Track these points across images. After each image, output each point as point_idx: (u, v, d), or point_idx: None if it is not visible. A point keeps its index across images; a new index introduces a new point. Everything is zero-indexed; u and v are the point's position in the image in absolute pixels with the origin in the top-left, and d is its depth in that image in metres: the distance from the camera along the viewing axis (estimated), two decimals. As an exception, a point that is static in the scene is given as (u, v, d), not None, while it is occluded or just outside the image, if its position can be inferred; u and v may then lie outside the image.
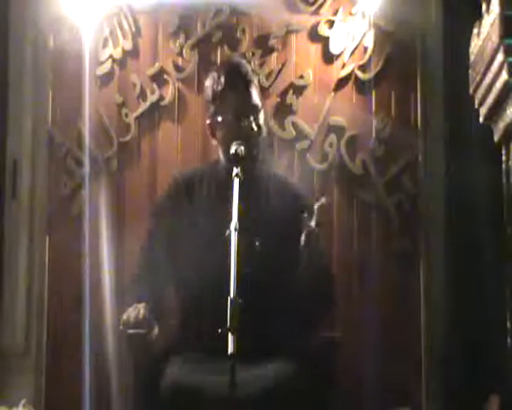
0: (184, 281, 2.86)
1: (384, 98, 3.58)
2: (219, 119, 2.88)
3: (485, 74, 2.56)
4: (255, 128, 2.86)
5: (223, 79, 2.88)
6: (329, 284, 2.88)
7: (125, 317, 2.65)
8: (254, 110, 2.88)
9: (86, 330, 3.46)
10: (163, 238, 2.92)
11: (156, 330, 2.67)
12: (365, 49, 3.58)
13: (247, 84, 2.90)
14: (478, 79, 2.65)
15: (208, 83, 2.94)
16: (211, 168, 3.04)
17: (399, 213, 3.51)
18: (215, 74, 2.93)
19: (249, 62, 3.43)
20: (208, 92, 2.93)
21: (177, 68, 3.66)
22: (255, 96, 2.90)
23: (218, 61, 3.63)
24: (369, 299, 3.40)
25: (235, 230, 2.41)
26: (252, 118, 2.86)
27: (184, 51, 3.65)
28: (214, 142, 2.96)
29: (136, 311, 2.65)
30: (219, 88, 2.88)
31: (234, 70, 2.96)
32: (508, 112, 2.46)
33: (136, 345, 2.70)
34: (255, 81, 2.97)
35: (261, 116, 2.91)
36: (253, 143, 2.85)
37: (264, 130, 2.96)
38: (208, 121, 2.95)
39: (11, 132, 3.69)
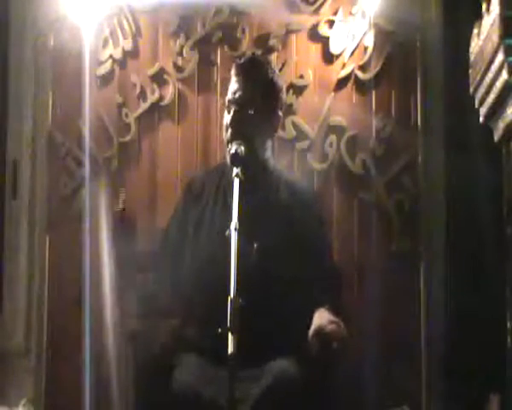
0: (186, 281, 2.87)
1: (384, 98, 3.58)
2: (226, 102, 2.89)
3: (485, 74, 2.56)
4: (237, 119, 2.82)
5: (235, 67, 2.92)
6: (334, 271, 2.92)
7: None
8: (243, 101, 2.84)
9: (86, 330, 3.46)
10: (175, 240, 2.92)
11: None
12: (365, 48, 3.58)
13: (250, 75, 2.89)
14: (478, 78, 2.65)
15: None
16: (219, 168, 3.02)
17: (399, 213, 3.51)
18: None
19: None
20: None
21: (177, 68, 3.66)
22: (252, 90, 2.86)
23: (219, 61, 3.63)
24: (369, 298, 3.40)
25: (235, 230, 2.41)
26: (243, 108, 2.83)
27: (184, 51, 3.65)
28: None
29: None
30: (231, 74, 2.90)
31: (248, 60, 3.01)
32: (508, 112, 2.46)
33: (135, 345, 2.70)
34: (266, 76, 2.91)
35: (257, 113, 2.86)
36: (251, 134, 2.83)
37: (266, 125, 2.92)
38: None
39: (11, 133, 3.69)
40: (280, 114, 2.96)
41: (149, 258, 3.03)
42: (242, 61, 2.97)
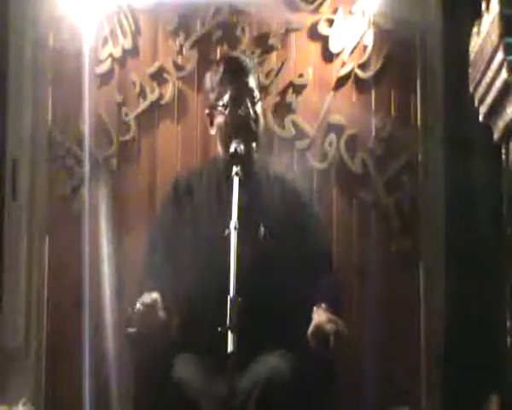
0: (185, 281, 2.86)
1: (384, 97, 3.58)
2: (217, 106, 2.91)
3: (484, 73, 2.56)
4: (252, 114, 2.88)
5: (221, 68, 2.95)
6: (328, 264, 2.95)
7: (138, 304, 2.61)
8: (251, 96, 2.92)
9: (86, 329, 3.46)
10: (165, 243, 2.92)
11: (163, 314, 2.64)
12: (365, 47, 3.58)
13: (243, 71, 2.96)
14: (477, 77, 2.65)
15: (208, 74, 3.03)
16: (210, 166, 3.06)
17: (399, 213, 3.50)
18: (214, 66, 3.03)
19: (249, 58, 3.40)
20: (208, 82, 3.01)
21: (177, 67, 3.66)
22: (252, 84, 2.96)
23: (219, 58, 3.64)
24: (369, 298, 3.40)
25: (235, 228, 2.42)
26: (249, 103, 2.89)
27: (184, 50, 3.65)
28: (212, 131, 2.99)
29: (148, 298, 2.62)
30: (218, 76, 2.95)
31: (232, 60, 3.07)
32: (507, 111, 2.46)
33: (136, 345, 2.69)
34: (254, 73, 3.01)
35: (258, 106, 2.94)
36: (250, 132, 2.87)
37: (262, 122, 2.97)
38: (207, 111, 3.00)
39: (11, 132, 3.68)
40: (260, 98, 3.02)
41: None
42: (225, 63, 3.01)
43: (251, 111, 2.90)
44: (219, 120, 2.93)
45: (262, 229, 2.79)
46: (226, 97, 2.90)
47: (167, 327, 2.66)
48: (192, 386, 2.60)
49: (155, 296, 2.61)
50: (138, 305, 2.58)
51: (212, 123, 3.00)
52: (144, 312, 2.57)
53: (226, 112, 2.90)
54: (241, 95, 2.91)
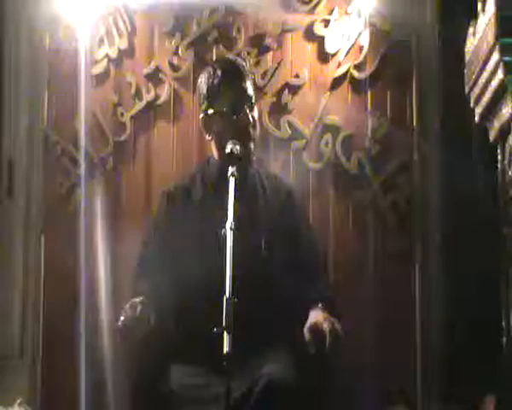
0: (181, 281, 2.86)
1: (380, 97, 3.58)
2: (215, 112, 2.89)
3: (480, 74, 2.57)
4: (251, 120, 2.87)
5: (219, 73, 2.90)
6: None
7: (122, 317, 2.61)
8: (249, 102, 2.91)
9: (82, 330, 3.45)
10: (161, 249, 2.91)
11: (153, 320, 2.64)
12: (361, 48, 3.58)
13: (242, 77, 2.93)
14: (473, 78, 2.66)
15: (203, 77, 2.96)
16: (204, 168, 3.04)
17: (395, 213, 3.51)
18: (210, 69, 2.96)
19: (245, 61, 3.40)
20: (203, 86, 2.95)
21: (173, 68, 3.66)
22: (250, 90, 2.93)
23: (214, 60, 3.63)
24: (365, 298, 3.40)
25: (231, 229, 2.42)
26: (247, 110, 2.87)
27: (180, 50, 3.65)
28: (208, 137, 2.96)
29: (133, 309, 2.62)
30: (216, 81, 2.90)
31: (230, 64, 3.01)
32: (503, 111, 2.47)
33: (132, 346, 2.69)
34: (250, 77, 3.00)
35: (255, 111, 2.93)
36: (248, 137, 2.87)
37: (258, 127, 2.97)
38: (202, 115, 2.95)
39: (6, 132, 3.68)
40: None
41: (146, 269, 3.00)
42: (222, 67, 2.96)
43: (250, 117, 2.88)
44: (216, 125, 2.91)
45: (258, 230, 2.79)
46: (224, 104, 2.88)
47: (157, 333, 2.66)
48: (188, 387, 2.59)
49: (139, 307, 2.60)
50: (122, 319, 2.58)
51: (206, 128, 2.96)
52: (129, 326, 2.57)
53: (223, 119, 2.88)
54: (240, 101, 2.88)
